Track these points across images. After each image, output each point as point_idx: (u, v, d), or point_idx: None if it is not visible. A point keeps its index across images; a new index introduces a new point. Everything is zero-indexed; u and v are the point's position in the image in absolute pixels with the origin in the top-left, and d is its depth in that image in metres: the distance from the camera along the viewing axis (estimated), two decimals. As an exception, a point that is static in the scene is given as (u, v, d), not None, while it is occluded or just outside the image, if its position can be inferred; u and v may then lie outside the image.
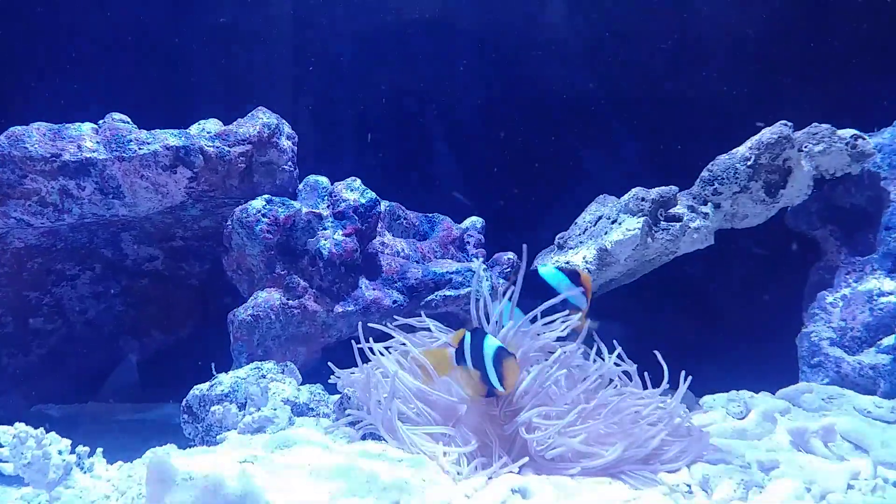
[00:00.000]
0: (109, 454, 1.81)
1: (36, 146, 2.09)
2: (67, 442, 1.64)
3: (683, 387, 1.67)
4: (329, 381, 1.88)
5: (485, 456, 1.55)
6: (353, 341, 1.77)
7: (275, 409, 1.77)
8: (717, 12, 2.93)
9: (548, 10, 3.07)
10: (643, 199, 2.34)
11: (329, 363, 1.82)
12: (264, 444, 1.53)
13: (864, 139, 2.37)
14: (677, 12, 2.96)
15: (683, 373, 1.69)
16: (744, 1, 2.92)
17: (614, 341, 1.75)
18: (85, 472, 1.63)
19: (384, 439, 1.59)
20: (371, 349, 1.75)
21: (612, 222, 2.38)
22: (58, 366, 2.57)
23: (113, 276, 2.60)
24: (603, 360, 1.73)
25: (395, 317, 1.91)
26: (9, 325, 2.43)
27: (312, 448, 1.49)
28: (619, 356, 1.73)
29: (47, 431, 1.64)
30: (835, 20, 2.83)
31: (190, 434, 1.89)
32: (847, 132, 2.37)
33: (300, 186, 2.42)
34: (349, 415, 1.74)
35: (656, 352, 1.72)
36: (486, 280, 2.33)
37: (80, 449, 1.67)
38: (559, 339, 1.71)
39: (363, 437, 1.67)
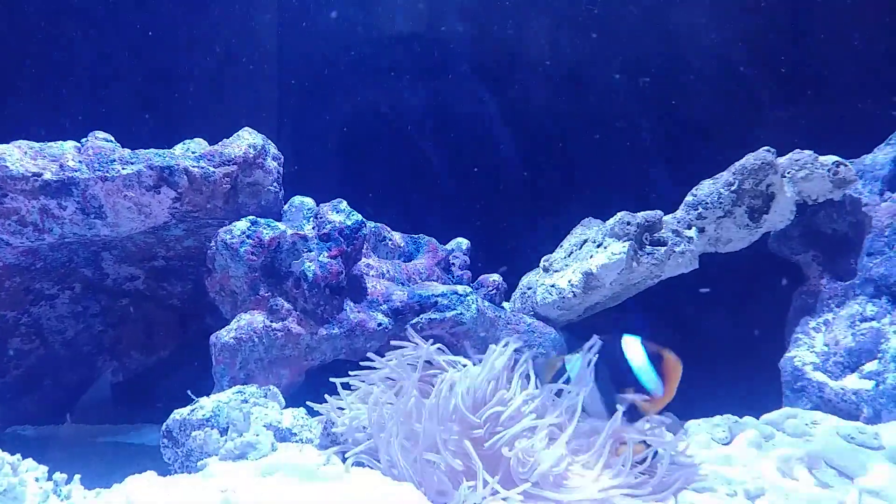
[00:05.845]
0: (88, 479, 1.77)
1: (16, 165, 2.05)
2: (44, 468, 1.60)
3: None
4: (309, 404, 1.88)
5: (468, 478, 1.54)
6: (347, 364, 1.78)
7: (257, 435, 1.74)
8: (702, 36, 2.97)
9: (536, 33, 3.09)
10: (628, 223, 2.35)
11: (308, 403, 1.82)
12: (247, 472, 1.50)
13: (845, 166, 2.39)
14: (663, 36, 2.99)
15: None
16: (730, 25, 2.95)
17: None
18: (62, 500, 1.59)
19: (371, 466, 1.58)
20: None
21: (598, 246, 2.38)
22: (35, 386, 2.51)
23: (93, 296, 2.56)
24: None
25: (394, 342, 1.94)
26: (-15, 345, 2.38)
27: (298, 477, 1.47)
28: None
29: (24, 454, 1.60)
30: (818, 45, 2.87)
31: (170, 459, 1.85)
32: (829, 158, 2.40)
33: (285, 207, 2.40)
34: (336, 442, 1.72)
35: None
36: (473, 304, 2.32)
37: (58, 476, 1.63)
38: None
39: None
